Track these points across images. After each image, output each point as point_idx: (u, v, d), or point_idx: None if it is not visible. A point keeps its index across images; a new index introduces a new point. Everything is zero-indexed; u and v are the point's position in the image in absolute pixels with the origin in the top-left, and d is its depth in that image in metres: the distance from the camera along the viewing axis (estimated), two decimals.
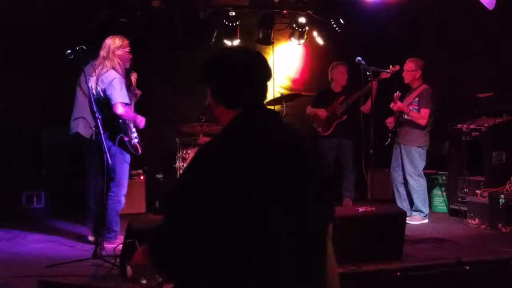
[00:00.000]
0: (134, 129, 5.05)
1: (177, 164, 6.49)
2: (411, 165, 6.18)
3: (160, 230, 1.80)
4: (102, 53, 4.98)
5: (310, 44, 8.00)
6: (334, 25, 7.57)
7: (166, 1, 6.79)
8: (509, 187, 5.71)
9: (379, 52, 6.84)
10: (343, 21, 7.51)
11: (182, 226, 1.75)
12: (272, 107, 7.35)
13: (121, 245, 3.99)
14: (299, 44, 7.82)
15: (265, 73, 1.92)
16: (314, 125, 7.02)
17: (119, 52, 4.98)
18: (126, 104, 4.91)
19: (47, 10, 6.46)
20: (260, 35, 7.52)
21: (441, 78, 6.97)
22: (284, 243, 1.75)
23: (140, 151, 5.07)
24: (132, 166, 6.99)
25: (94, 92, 4.86)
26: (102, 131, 4.59)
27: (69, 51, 4.79)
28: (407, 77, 6.27)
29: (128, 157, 5.06)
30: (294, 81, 8.22)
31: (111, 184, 4.97)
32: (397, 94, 6.14)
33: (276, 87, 8.08)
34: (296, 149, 1.84)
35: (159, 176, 7.18)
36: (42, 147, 6.67)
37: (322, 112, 6.91)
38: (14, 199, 6.41)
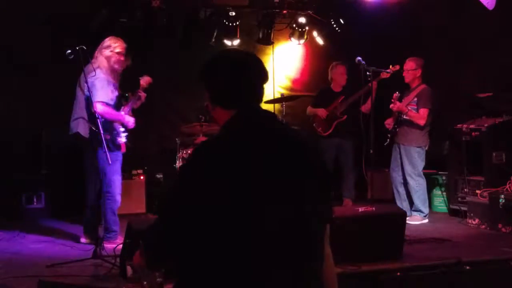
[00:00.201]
0: (122, 129, 5.04)
1: (177, 164, 6.49)
2: (411, 165, 6.18)
3: (154, 228, 1.83)
4: (95, 53, 5.04)
5: (310, 44, 8.00)
6: (334, 25, 7.57)
7: (166, 1, 6.79)
8: (509, 187, 5.71)
9: (379, 52, 6.84)
10: (343, 21, 7.51)
11: (176, 225, 1.77)
12: (272, 107, 7.36)
13: (121, 245, 3.99)
14: (299, 44, 7.83)
15: (261, 75, 1.94)
16: (314, 125, 7.02)
17: (106, 53, 5.01)
18: (108, 103, 4.92)
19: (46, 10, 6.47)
20: (260, 35, 7.53)
21: (441, 78, 6.97)
22: (278, 242, 1.75)
23: (124, 150, 5.05)
24: (132, 166, 7.05)
25: (86, 91, 4.94)
26: (102, 131, 4.61)
27: (69, 51, 4.80)
28: (407, 76, 6.27)
29: (116, 155, 5.00)
30: (294, 81, 8.23)
31: (103, 185, 4.98)
32: (396, 94, 6.14)
33: (276, 87, 8.08)
34: (292, 148, 1.85)
35: (159, 176, 7.18)
36: (42, 147, 6.67)
37: (322, 112, 6.91)
38: (14, 199, 6.41)
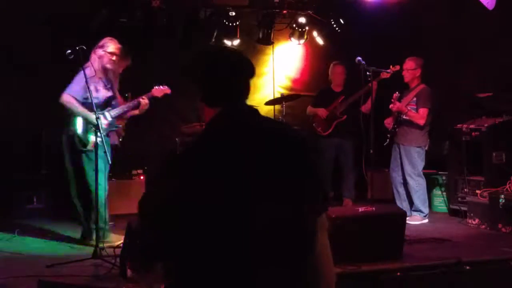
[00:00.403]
0: (105, 127, 5.03)
1: None
2: (410, 165, 6.18)
3: (142, 230, 1.84)
4: (91, 52, 5.09)
5: (310, 44, 8.00)
6: (334, 25, 7.56)
7: (166, 1, 6.79)
8: (509, 187, 5.71)
9: (379, 52, 6.84)
10: (343, 21, 7.50)
11: (162, 226, 1.80)
12: (272, 107, 7.37)
13: (121, 245, 4.00)
14: (299, 44, 7.82)
15: (245, 72, 1.94)
16: (314, 124, 7.02)
17: (99, 52, 5.04)
18: (76, 98, 4.94)
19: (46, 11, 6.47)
20: (260, 35, 7.53)
21: (441, 78, 6.97)
22: (265, 237, 1.75)
23: (87, 147, 5.01)
24: (132, 166, 7.05)
25: None
26: (102, 131, 4.63)
27: (69, 51, 4.81)
28: (407, 76, 6.27)
29: (86, 154, 5.04)
30: (294, 81, 8.22)
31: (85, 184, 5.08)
32: (396, 94, 6.14)
33: (276, 87, 8.08)
34: (276, 143, 1.84)
35: None
36: (42, 147, 6.67)
37: (322, 112, 6.91)
38: (14, 199, 6.41)
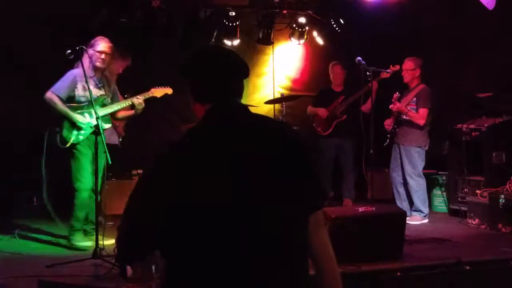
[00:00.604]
0: (81, 125, 5.02)
1: None
2: (411, 165, 6.18)
3: (123, 227, 1.85)
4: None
5: (310, 44, 8.00)
6: (334, 25, 7.57)
7: (166, 1, 6.80)
8: (509, 187, 5.71)
9: (379, 52, 6.84)
10: (343, 21, 7.51)
11: (143, 223, 1.80)
12: (272, 107, 7.37)
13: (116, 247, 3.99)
14: (299, 44, 7.83)
15: (236, 71, 1.96)
16: (314, 124, 7.03)
17: (90, 51, 5.03)
18: (60, 97, 4.98)
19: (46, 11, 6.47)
20: (260, 35, 7.53)
21: (441, 78, 6.97)
22: (252, 235, 1.75)
23: (66, 145, 5.03)
24: (132, 166, 7.05)
25: None
26: (102, 131, 4.63)
27: (69, 51, 4.82)
28: (406, 76, 6.27)
29: (78, 152, 5.06)
30: (294, 81, 8.23)
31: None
32: (396, 95, 6.14)
33: (276, 87, 8.08)
34: (266, 141, 1.85)
35: None
36: (43, 147, 6.66)
37: (322, 112, 6.91)
38: (14, 199, 6.41)
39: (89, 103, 5.02)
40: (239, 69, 1.97)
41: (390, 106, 6.19)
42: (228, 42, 7.34)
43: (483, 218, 5.81)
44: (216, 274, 1.74)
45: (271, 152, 1.84)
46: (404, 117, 6.19)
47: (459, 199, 6.42)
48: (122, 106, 5.22)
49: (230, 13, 7.15)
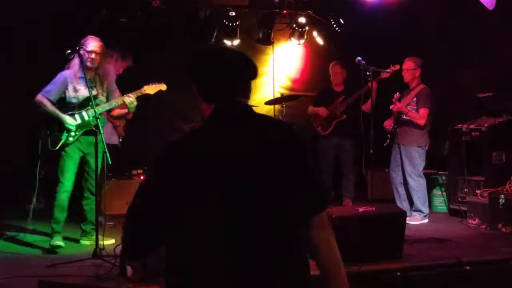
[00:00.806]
0: (71, 127, 4.98)
1: None
2: (411, 165, 6.18)
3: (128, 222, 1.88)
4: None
5: (310, 44, 8.01)
6: (334, 25, 7.57)
7: (166, 1, 6.80)
8: (509, 187, 5.71)
9: (379, 52, 6.84)
10: (343, 21, 7.51)
11: (147, 217, 1.83)
12: (272, 107, 7.37)
13: (121, 245, 3.99)
14: (299, 44, 7.83)
15: (240, 71, 1.97)
16: (314, 124, 7.03)
17: (80, 51, 4.94)
18: (49, 98, 4.96)
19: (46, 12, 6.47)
20: (260, 35, 7.53)
21: (441, 78, 6.97)
22: (248, 232, 1.77)
23: (56, 147, 4.99)
24: (132, 166, 7.05)
25: None
26: (102, 131, 4.63)
27: (69, 51, 4.82)
28: (407, 76, 6.27)
29: (64, 154, 5.02)
30: (294, 81, 8.23)
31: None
32: (396, 95, 6.15)
33: (276, 87, 8.08)
34: (267, 141, 1.86)
35: None
36: (43, 147, 6.66)
37: (323, 111, 6.92)
38: (14, 199, 6.41)
39: (80, 105, 5.03)
40: (245, 70, 1.98)
41: (391, 107, 6.20)
42: (228, 42, 7.34)
43: (483, 218, 5.81)
44: (212, 272, 1.76)
45: (272, 152, 1.85)
46: (404, 117, 6.19)
47: (459, 199, 6.42)
48: (113, 105, 5.17)
49: (230, 13, 7.15)
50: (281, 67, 8.12)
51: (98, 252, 4.46)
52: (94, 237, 4.98)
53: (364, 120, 6.42)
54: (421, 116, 6.10)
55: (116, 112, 5.34)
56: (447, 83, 7.00)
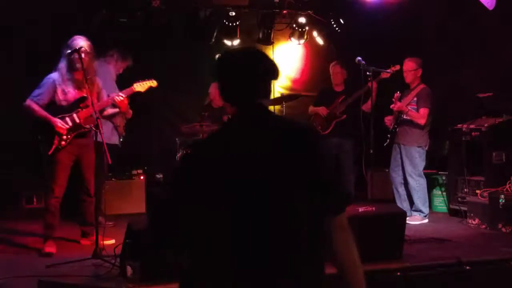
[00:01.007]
0: (61, 132, 4.87)
1: None
2: (411, 165, 6.18)
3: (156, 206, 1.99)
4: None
5: (310, 44, 8.01)
6: (334, 25, 7.57)
7: (166, 1, 6.80)
8: (509, 187, 5.71)
9: (379, 52, 6.84)
10: (343, 21, 7.51)
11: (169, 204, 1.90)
12: (272, 107, 7.37)
13: (121, 245, 3.99)
14: (299, 44, 7.83)
15: (262, 72, 1.98)
16: (314, 124, 7.02)
17: (67, 52, 4.89)
18: (37, 102, 4.87)
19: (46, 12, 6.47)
20: (260, 35, 7.53)
21: (441, 78, 6.97)
22: (264, 232, 1.79)
23: (49, 152, 4.88)
24: (132, 166, 7.06)
25: None
26: (102, 131, 4.61)
27: (69, 51, 4.81)
28: (409, 77, 6.26)
29: (54, 159, 4.92)
30: (294, 81, 8.23)
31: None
32: (397, 94, 6.15)
33: (276, 87, 8.08)
34: (285, 143, 1.87)
35: (159, 176, 7.19)
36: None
37: (323, 110, 6.91)
38: (14, 199, 6.41)
39: (70, 107, 4.92)
40: (265, 71, 1.99)
41: (391, 106, 6.20)
42: (228, 42, 7.35)
43: (483, 218, 5.81)
44: (225, 273, 1.79)
45: (288, 154, 1.85)
46: (404, 116, 6.19)
47: (459, 199, 6.42)
48: (104, 106, 5.04)
49: (230, 13, 7.16)
50: (281, 67, 8.09)
51: (98, 252, 4.45)
52: (93, 237, 5.01)
53: (364, 120, 6.41)
54: (421, 115, 6.10)
55: (108, 112, 5.19)
56: (447, 83, 7.00)
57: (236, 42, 7.39)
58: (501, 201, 5.61)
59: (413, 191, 6.21)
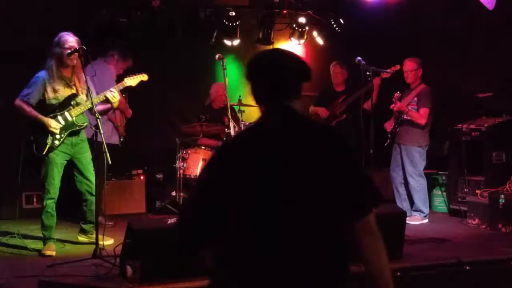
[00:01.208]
0: (54, 132, 4.82)
1: (177, 164, 6.49)
2: (412, 165, 6.18)
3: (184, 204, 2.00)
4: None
5: (310, 44, 8.00)
6: (334, 25, 7.57)
7: (166, 1, 6.80)
8: (509, 187, 5.72)
9: (379, 52, 6.84)
10: (343, 21, 7.51)
11: (197, 202, 1.93)
12: None
13: (121, 245, 3.99)
14: (299, 44, 7.82)
15: (290, 73, 2.06)
16: None
17: (56, 50, 4.83)
18: (28, 102, 4.82)
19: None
20: (260, 35, 7.53)
21: (441, 78, 6.97)
22: (287, 231, 1.81)
23: (42, 153, 4.84)
24: (132, 166, 7.06)
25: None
26: (102, 131, 4.60)
27: (69, 51, 4.80)
28: (410, 77, 6.26)
29: (47, 160, 4.87)
30: None
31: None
32: (397, 94, 6.15)
33: None
34: (309, 142, 1.90)
35: (159, 176, 7.19)
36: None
37: (323, 111, 6.91)
38: (14, 199, 6.40)
39: (61, 106, 4.87)
40: (295, 73, 2.07)
41: (391, 106, 6.20)
42: (228, 42, 7.34)
43: (483, 218, 5.81)
44: (251, 270, 1.81)
45: (314, 155, 1.87)
46: (405, 116, 6.19)
47: (459, 199, 6.42)
48: (95, 103, 4.91)
49: (230, 13, 7.15)
50: None
51: (98, 252, 4.45)
52: (93, 236, 4.97)
53: (364, 120, 6.41)
54: (422, 115, 6.10)
55: (100, 108, 5.05)
56: (447, 83, 7.01)
57: (236, 42, 7.38)
58: (501, 201, 5.61)
59: (413, 191, 6.21)
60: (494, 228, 5.66)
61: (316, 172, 1.84)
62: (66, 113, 4.90)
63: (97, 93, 5.04)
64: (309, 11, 7.61)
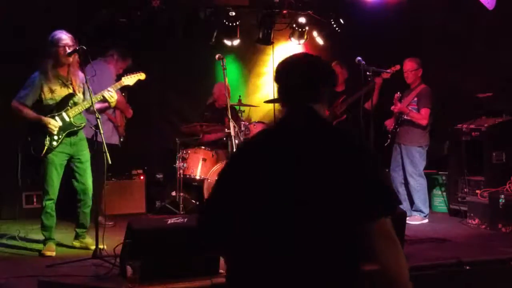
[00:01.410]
0: (52, 132, 4.79)
1: (177, 164, 6.49)
2: (412, 165, 6.18)
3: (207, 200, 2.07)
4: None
5: (310, 44, 8.00)
6: (334, 25, 7.57)
7: (166, 1, 6.80)
8: (509, 187, 5.71)
9: (379, 52, 6.84)
10: (343, 21, 7.51)
11: (216, 198, 1.99)
12: (272, 107, 7.37)
13: (121, 245, 3.99)
14: (299, 44, 7.82)
15: (316, 78, 2.07)
16: None
17: (50, 49, 4.79)
18: (25, 104, 4.79)
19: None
20: (260, 35, 7.53)
21: (441, 78, 6.97)
22: (299, 231, 1.82)
23: (41, 153, 4.79)
24: (132, 166, 7.06)
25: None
26: (102, 131, 4.59)
27: (69, 51, 4.79)
28: (410, 77, 6.26)
29: (46, 160, 4.84)
30: None
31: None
32: (397, 95, 6.15)
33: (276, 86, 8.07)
34: (325, 144, 1.93)
35: (159, 176, 7.19)
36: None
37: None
38: (14, 199, 6.41)
39: (58, 106, 4.85)
40: (318, 77, 2.07)
41: (392, 108, 6.20)
42: (228, 42, 7.34)
43: (483, 218, 5.81)
44: (263, 270, 1.82)
45: (328, 156, 1.89)
46: (405, 117, 6.19)
47: (459, 199, 6.42)
48: (93, 101, 4.86)
49: (230, 13, 7.15)
50: None
51: (98, 252, 4.45)
52: (85, 240, 5.02)
53: (364, 120, 6.41)
54: (423, 116, 6.10)
55: (97, 107, 4.94)
56: (447, 83, 7.00)
57: (236, 42, 7.38)
58: (501, 201, 5.61)
59: (413, 191, 6.21)
60: (494, 228, 5.66)
61: (329, 173, 1.85)
62: (64, 114, 4.88)
63: (96, 93, 5.03)
64: (309, 11, 7.61)
